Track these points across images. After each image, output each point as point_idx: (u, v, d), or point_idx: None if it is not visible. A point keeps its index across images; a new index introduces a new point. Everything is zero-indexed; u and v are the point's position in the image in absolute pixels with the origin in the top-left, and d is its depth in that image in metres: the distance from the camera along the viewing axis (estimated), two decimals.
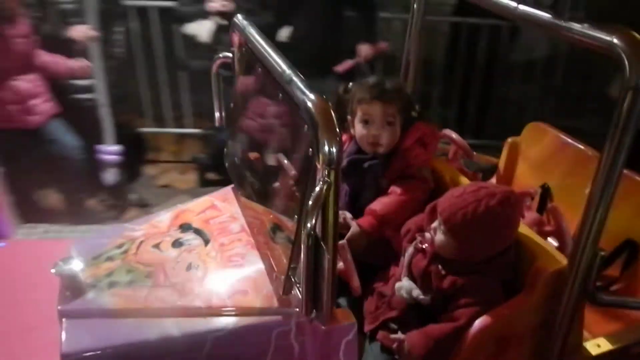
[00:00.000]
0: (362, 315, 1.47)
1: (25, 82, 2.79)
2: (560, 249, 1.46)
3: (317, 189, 1.00)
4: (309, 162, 1.06)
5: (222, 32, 2.83)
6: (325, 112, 1.01)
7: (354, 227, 1.55)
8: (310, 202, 0.99)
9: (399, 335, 1.35)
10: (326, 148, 0.98)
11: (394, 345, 1.36)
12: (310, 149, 1.04)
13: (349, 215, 1.54)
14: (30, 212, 2.93)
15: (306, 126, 1.05)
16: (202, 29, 2.92)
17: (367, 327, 1.44)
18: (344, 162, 1.61)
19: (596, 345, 1.44)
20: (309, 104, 1.02)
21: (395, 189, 1.58)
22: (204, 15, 2.90)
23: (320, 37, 2.95)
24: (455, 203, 1.32)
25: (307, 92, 1.04)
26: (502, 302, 1.32)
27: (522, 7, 1.30)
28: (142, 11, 3.44)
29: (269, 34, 2.74)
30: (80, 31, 2.88)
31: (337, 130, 1.00)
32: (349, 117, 1.62)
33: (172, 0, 3.25)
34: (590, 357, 1.41)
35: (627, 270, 1.69)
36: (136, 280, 1.33)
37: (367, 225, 1.53)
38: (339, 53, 3.06)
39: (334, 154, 0.99)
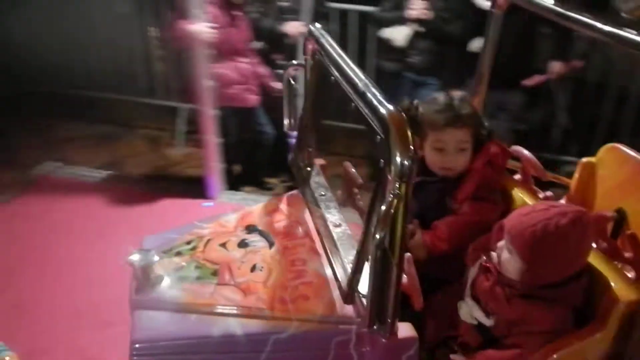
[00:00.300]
0: (422, 329, 1.45)
1: (247, 65, 3.15)
2: (638, 279, 1.39)
3: (388, 201, 1.00)
4: (381, 174, 1.07)
5: (417, 38, 3.12)
6: (399, 124, 1.01)
7: (417, 237, 1.53)
8: (380, 214, 0.99)
9: (459, 357, 1.32)
10: (398, 160, 0.98)
11: None
12: (382, 160, 1.04)
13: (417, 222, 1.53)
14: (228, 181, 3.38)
15: (378, 137, 1.05)
16: (398, 34, 3.15)
17: (427, 343, 1.42)
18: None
19: None
20: (384, 114, 1.02)
21: (464, 211, 1.56)
22: (402, 21, 3.14)
23: (510, 50, 2.88)
24: (523, 221, 1.28)
25: (383, 102, 1.04)
26: (570, 332, 1.26)
27: None
28: (344, 14, 3.78)
29: (460, 43, 2.76)
30: (294, 27, 3.17)
31: (411, 143, 1.00)
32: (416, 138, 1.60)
33: (371, 6, 3.51)
34: None
35: None
36: (203, 276, 1.38)
37: (429, 240, 1.52)
38: (528, 67, 3.11)
39: (407, 166, 0.98)
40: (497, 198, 1.59)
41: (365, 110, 1.10)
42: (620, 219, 1.77)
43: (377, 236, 0.98)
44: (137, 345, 1.22)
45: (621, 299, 1.22)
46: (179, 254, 1.47)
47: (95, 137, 4.19)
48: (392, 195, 1.00)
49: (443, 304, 1.44)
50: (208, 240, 1.52)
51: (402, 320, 1.21)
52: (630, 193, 1.81)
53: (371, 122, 1.07)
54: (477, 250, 1.43)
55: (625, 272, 1.36)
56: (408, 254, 1.22)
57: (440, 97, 1.61)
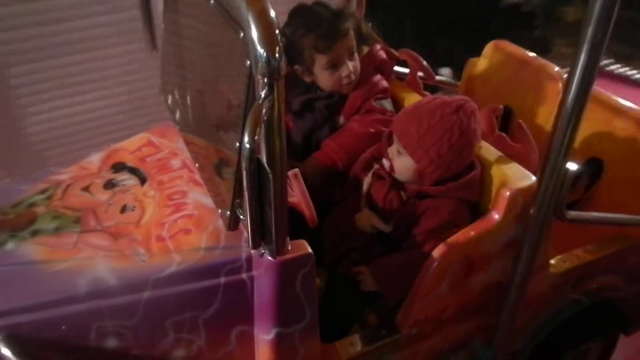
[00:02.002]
0: (320, 249, 1.37)
1: None
2: (527, 167, 1.39)
3: (257, 103, 0.85)
4: (248, 76, 0.91)
5: None
6: (261, 12, 0.85)
7: (309, 160, 1.43)
8: (249, 119, 0.85)
9: (361, 267, 1.26)
10: (264, 54, 0.83)
11: (357, 277, 1.27)
12: (247, 60, 0.89)
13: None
14: None
15: (241, 33, 0.89)
16: None
17: (328, 260, 1.35)
18: (297, 104, 1.47)
19: (562, 261, 1.41)
20: (241, 3, 0.85)
21: (351, 125, 1.46)
22: None
23: None
24: (408, 118, 1.23)
25: None
26: (468, 224, 1.24)
27: None
28: None
29: None
30: None
31: (277, 33, 0.85)
32: (297, 68, 1.46)
33: None
34: (557, 274, 1.38)
35: (589, 189, 1.66)
36: (63, 226, 1.17)
37: (321, 158, 1.42)
38: None
39: (276, 62, 0.83)
40: (387, 107, 1.50)
41: (221, 2, 0.93)
42: (507, 115, 1.78)
43: (248, 146, 0.83)
44: None
45: (515, 187, 1.20)
46: (32, 205, 1.24)
47: None
48: (262, 96, 0.86)
49: (339, 219, 1.36)
50: (67, 186, 1.30)
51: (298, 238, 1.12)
52: (516, 89, 1.82)
53: (230, 17, 0.90)
54: (367, 159, 1.36)
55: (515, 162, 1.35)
56: (294, 170, 1.11)
57: (304, 12, 1.42)
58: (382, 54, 1.56)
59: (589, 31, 0.98)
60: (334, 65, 1.41)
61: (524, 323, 1.38)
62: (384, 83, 1.52)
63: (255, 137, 0.84)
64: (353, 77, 1.44)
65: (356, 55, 1.44)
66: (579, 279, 1.42)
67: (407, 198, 1.26)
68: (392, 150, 1.28)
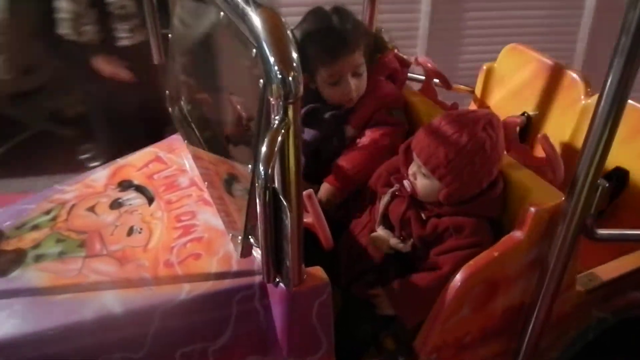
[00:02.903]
0: (335, 268, 1.31)
1: None
2: (552, 181, 1.32)
3: (272, 129, 0.80)
4: (262, 98, 0.86)
5: None
6: (276, 29, 0.79)
7: (323, 187, 1.36)
8: (264, 147, 0.79)
9: (377, 290, 1.20)
10: (280, 75, 0.77)
11: (372, 300, 1.21)
12: (261, 80, 0.83)
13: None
14: None
15: (254, 50, 0.83)
16: None
17: (343, 282, 1.29)
18: (301, 112, 1.40)
19: (588, 278, 1.34)
20: (254, 18, 0.79)
21: (364, 141, 1.38)
22: None
23: None
24: (434, 141, 1.15)
25: (251, 3, 0.81)
26: (491, 244, 1.18)
27: None
28: None
29: None
30: None
31: (294, 52, 0.79)
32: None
33: None
34: (583, 293, 1.31)
35: (613, 201, 1.59)
36: (67, 251, 1.13)
37: (336, 183, 1.35)
38: None
39: (292, 83, 0.77)
40: (399, 118, 1.43)
41: (232, 17, 0.87)
42: (526, 123, 1.72)
43: (263, 175, 0.78)
44: None
45: (541, 204, 1.13)
46: (35, 227, 1.20)
47: None
48: (277, 121, 0.80)
49: (354, 238, 1.30)
50: (72, 206, 1.25)
51: (313, 261, 1.06)
52: (533, 94, 1.76)
53: (242, 31, 0.84)
54: (382, 176, 1.29)
55: (539, 177, 1.29)
56: (308, 190, 1.05)
57: (318, 18, 1.35)
58: (395, 62, 1.50)
59: (624, 41, 0.91)
60: (336, 82, 1.35)
61: (548, 345, 1.32)
62: (396, 93, 1.46)
63: (270, 165, 0.79)
64: (354, 95, 1.36)
65: (363, 73, 1.36)
66: (605, 296, 1.36)
67: (428, 217, 1.20)
68: (415, 171, 1.20)
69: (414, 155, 1.19)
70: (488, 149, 1.13)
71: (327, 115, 1.39)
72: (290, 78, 0.77)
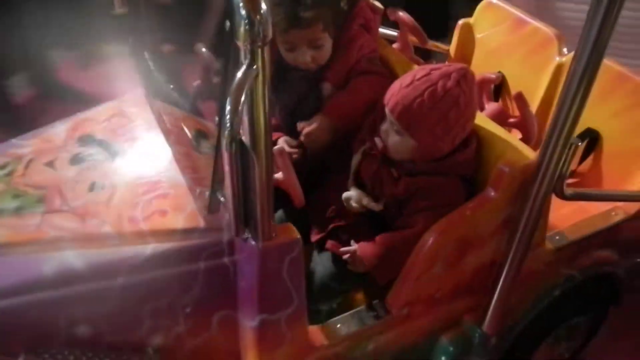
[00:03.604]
0: (307, 225, 1.29)
1: None
2: (525, 140, 1.32)
3: (239, 76, 0.75)
4: (228, 42, 0.81)
5: None
6: None
7: (320, 119, 1.26)
8: (230, 95, 0.75)
9: (351, 246, 1.19)
10: (247, 16, 0.72)
11: (346, 257, 1.20)
12: (227, 23, 0.78)
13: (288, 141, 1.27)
14: None
15: None
16: None
17: (314, 237, 1.28)
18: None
19: (556, 237, 1.36)
20: None
21: (358, 85, 1.29)
22: None
23: None
24: (407, 94, 1.11)
25: None
26: (462, 202, 1.17)
27: None
28: None
29: None
30: None
31: None
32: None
33: None
34: (552, 251, 1.33)
35: (583, 161, 1.60)
36: (25, 206, 1.07)
37: (335, 114, 1.26)
38: None
39: (260, 25, 0.73)
40: (382, 68, 1.35)
41: None
42: (500, 80, 1.70)
43: (229, 124, 0.74)
44: None
45: (514, 163, 1.12)
46: None
47: None
48: (244, 66, 0.75)
49: (327, 196, 1.28)
50: (30, 161, 1.19)
51: (287, 218, 1.04)
52: (509, 52, 1.73)
53: None
54: (363, 137, 1.26)
55: (514, 136, 1.28)
56: (279, 146, 1.02)
57: None
58: (367, 10, 1.40)
59: None
60: (290, 49, 1.26)
61: (516, 301, 1.34)
62: (373, 42, 1.39)
63: (237, 114, 0.75)
64: (312, 65, 1.28)
65: (323, 45, 1.26)
66: (573, 255, 1.38)
67: (399, 176, 1.18)
68: (387, 128, 1.17)
69: (387, 111, 1.15)
70: (462, 104, 1.11)
71: (297, 75, 1.30)
72: (258, 19, 0.72)
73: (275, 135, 1.29)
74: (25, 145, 1.23)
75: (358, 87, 1.29)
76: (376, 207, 1.20)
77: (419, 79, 1.12)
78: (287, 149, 1.23)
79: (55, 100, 2.62)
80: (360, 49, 1.33)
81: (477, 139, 1.20)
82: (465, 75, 1.12)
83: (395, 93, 1.14)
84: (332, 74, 1.32)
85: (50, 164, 1.17)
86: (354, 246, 1.20)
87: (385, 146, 1.17)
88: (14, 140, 1.27)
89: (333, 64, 1.31)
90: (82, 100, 1.75)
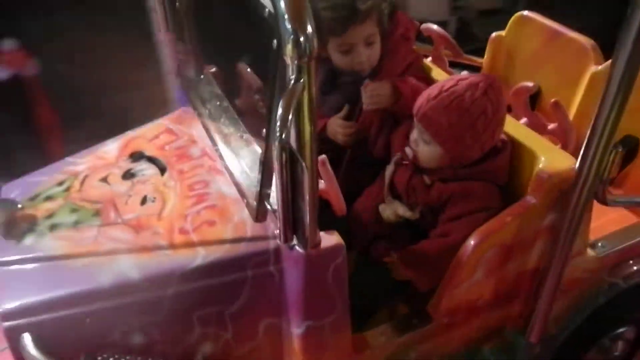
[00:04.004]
0: (349, 235, 1.33)
1: None
2: (563, 148, 1.32)
3: (288, 89, 0.79)
4: (276, 59, 0.85)
5: None
6: None
7: (383, 82, 1.30)
8: (280, 108, 0.79)
9: (392, 256, 1.21)
10: (294, 35, 0.76)
11: (389, 266, 1.22)
12: (275, 40, 0.82)
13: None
14: None
15: (267, 10, 0.83)
16: None
17: (358, 247, 1.31)
18: (320, 78, 1.37)
19: (600, 244, 1.35)
20: None
21: (407, 80, 1.31)
22: None
23: None
24: (435, 105, 1.14)
25: None
26: (500, 209, 1.18)
27: None
28: None
29: None
30: None
31: (308, 10, 0.78)
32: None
33: None
34: (595, 258, 1.32)
35: (623, 169, 1.59)
36: (82, 219, 1.14)
37: (399, 84, 1.28)
38: None
39: (306, 42, 0.77)
40: (426, 75, 1.39)
41: None
42: (535, 93, 1.71)
43: (279, 135, 0.78)
44: (7, 323, 0.97)
45: (554, 169, 1.13)
46: (49, 198, 1.20)
47: None
48: (292, 81, 0.80)
49: (366, 205, 1.31)
50: (85, 177, 1.26)
51: (327, 228, 1.07)
52: (543, 63, 1.74)
53: None
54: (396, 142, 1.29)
55: (552, 143, 1.29)
56: (322, 156, 1.05)
57: None
58: (407, 19, 1.45)
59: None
60: (346, 51, 1.31)
61: (559, 309, 1.33)
62: (416, 51, 1.43)
63: (287, 125, 0.79)
64: (366, 65, 1.33)
65: (376, 42, 1.32)
66: (616, 262, 1.37)
67: (431, 183, 1.20)
68: (416, 138, 1.20)
69: (415, 121, 1.18)
70: (489, 113, 1.13)
71: (348, 79, 1.36)
72: (304, 37, 0.76)
73: (323, 120, 1.36)
74: (80, 162, 1.31)
75: (411, 82, 1.32)
76: (412, 216, 1.22)
77: (446, 90, 1.15)
78: (339, 129, 1.32)
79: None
80: (405, 57, 1.38)
81: (510, 146, 1.21)
82: (492, 85, 1.14)
83: (424, 104, 1.17)
84: (379, 80, 1.35)
85: (104, 180, 1.24)
86: (394, 257, 1.22)
87: (415, 155, 1.20)
88: (69, 159, 1.34)
89: (380, 72, 1.36)
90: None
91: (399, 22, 1.38)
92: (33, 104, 2.45)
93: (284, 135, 0.78)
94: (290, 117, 0.80)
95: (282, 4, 0.77)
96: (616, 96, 1.00)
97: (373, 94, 1.28)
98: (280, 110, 0.79)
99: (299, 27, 0.77)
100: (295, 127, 0.84)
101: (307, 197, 0.84)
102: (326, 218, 1.32)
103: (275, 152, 0.80)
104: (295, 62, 0.79)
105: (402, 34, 1.38)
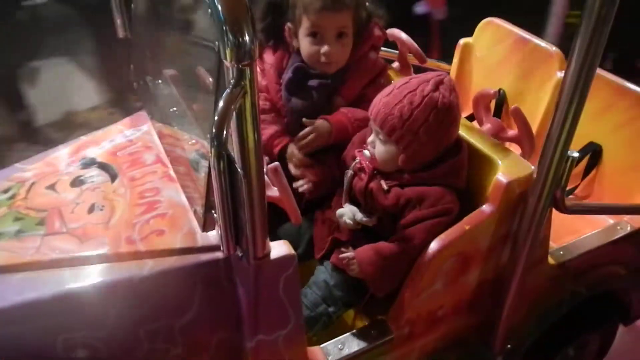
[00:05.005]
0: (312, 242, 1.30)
1: None
2: (523, 155, 1.31)
3: (227, 93, 0.76)
4: (218, 62, 0.82)
5: None
6: None
7: (319, 122, 1.31)
8: (217, 112, 0.76)
9: (349, 252, 1.18)
10: (233, 36, 0.73)
11: (344, 262, 1.19)
12: (216, 42, 0.79)
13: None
14: None
15: (210, 10, 0.80)
16: None
17: (318, 255, 1.28)
18: (287, 75, 1.34)
19: (560, 252, 1.34)
20: None
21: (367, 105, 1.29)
22: None
23: None
24: (387, 102, 1.14)
25: None
26: (456, 213, 1.16)
27: None
28: None
29: None
30: None
31: (249, 12, 0.75)
32: (289, 26, 1.34)
33: None
34: (555, 266, 1.31)
35: (586, 176, 1.59)
36: (25, 229, 1.08)
37: (336, 123, 1.30)
38: None
39: (246, 44, 0.74)
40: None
41: None
42: (501, 98, 1.70)
43: (216, 138, 0.74)
44: None
45: (512, 177, 1.12)
46: None
47: None
48: (231, 85, 0.77)
49: (329, 214, 1.28)
50: (32, 184, 1.20)
51: (290, 237, 1.04)
52: (509, 71, 1.74)
53: None
54: (353, 147, 1.27)
55: (512, 150, 1.27)
56: (274, 163, 1.02)
57: None
58: (378, 31, 1.44)
59: (594, 4, 0.90)
60: (315, 36, 1.28)
61: (522, 318, 1.31)
62: (383, 63, 1.42)
63: (224, 131, 0.76)
64: (332, 60, 1.30)
65: (346, 39, 1.29)
66: (578, 270, 1.36)
67: (389, 188, 1.18)
68: (372, 139, 1.19)
69: (371, 121, 1.17)
70: (441, 107, 1.12)
71: (314, 83, 1.33)
72: (244, 38, 0.74)
73: (284, 140, 1.34)
74: (29, 169, 1.26)
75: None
76: (369, 222, 1.19)
77: (398, 87, 1.16)
78: (296, 154, 1.30)
79: None
80: (373, 67, 1.37)
81: (466, 148, 1.20)
82: (442, 80, 1.14)
83: (377, 102, 1.17)
84: (346, 89, 1.36)
85: (51, 187, 1.19)
86: (351, 253, 1.19)
87: (373, 158, 1.18)
88: (17, 165, 1.29)
89: (348, 79, 1.35)
90: None
91: (371, 33, 1.37)
92: None
93: (221, 142, 0.75)
94: (227, 121, 0.76)
95: (219, 7, 0.74)
96: (570, 102, 0.99)
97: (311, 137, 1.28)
98: (217, 115, 0.76)
99: (237, 29, 0.74)
100: (237, 134, 0.81)
101: (247, 206, 0.80)
102: (287, 226, 1.30)
103: (212, 160, 0.77)
104: (235, 65, 0.76)
105: (372, 45, 1.37)
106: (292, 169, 1.32)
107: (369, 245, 1.18)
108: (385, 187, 1.17)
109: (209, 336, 1.06)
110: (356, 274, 1.18)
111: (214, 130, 0.75)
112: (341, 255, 1.19)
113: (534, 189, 1.10)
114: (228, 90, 0.76)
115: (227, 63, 0.77)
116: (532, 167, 1.12)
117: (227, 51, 0.75)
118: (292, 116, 1.37)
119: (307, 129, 1.31)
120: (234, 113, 0.79)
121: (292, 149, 1.33)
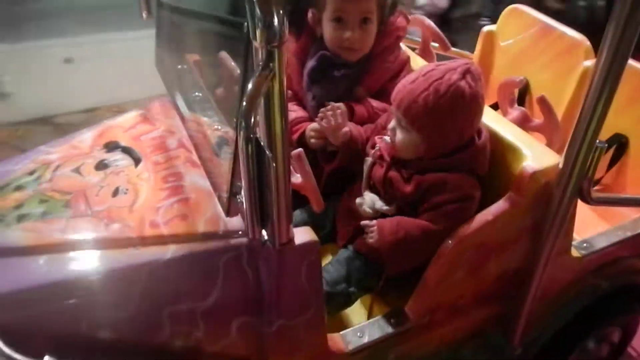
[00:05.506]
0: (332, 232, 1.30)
1: None
2: (549, 144, 1.29)
3: (255, 75, 0.76)
4: (247, 44, 0.82)
5: None
6: None
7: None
8: (246, 95, 0.75)
9: (371, 222, 1.16)
10: (263, 17, 0.73)
11: (365, 229, 1.18)
12: (245, 24, 0.79)
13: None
14: None
15: None
16: None
17: (341, 242, 1.28)
18: (312, 63, 1.34)
19: (583, 244, 1.32)
20: None
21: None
22: None
23: None
24: (412, 90, 1.12)
25: None
26: (478, 199, 1.15)
27: None
28: None
29: None
30: None
31: None
32: (313, 11, 1.33)
33: None
34: (579, 259, 1.29)
35: (612, 167, 1.56)
36: (51, 211, 1.10)
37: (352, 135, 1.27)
38: None
39: (276, 25, 0.73)
40: None
41: None
42: (524, 87, 1.68)
43: (244, 121, 0.74)
44: None
45: (538, 167, 1.10)
46: (19, 188, 1.16)
47: None
48: (260, 67, 0.76)
49: (350, 201, 1.27)
50: (57, 167, 1.22)
51: (313, 224, 1.04)
52: (533, 59, 1.71)
53: None
54: (374, 142, 1.26)
55: (535, 139, 1.25)
56: (298, 149, 1.02)
57: None
58: (403, 22, 1.43)
59: None
60: (339, 21, 1.27)
61: (542, 310, 1.30)
62: (407, 56, 1.41)
63: (253, 114, 0.75)
64: (356, 46, 1.30)
65: (370, 25, 1.29)
66: (600, 263, 1.34)
67: (409, 175, 1.17)
68: (394, 125, 1.17)
69: (393, 107, 1.16)
70: (467, 97, 1.10)
71: (338, 73, 1.33)
72: (274, 19, 0.73)
73: (304, 126, 1.33)
74: (54, 152, 1.27)
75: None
76: (389, 210, 1.19)
77: (424, 75, 1.13)
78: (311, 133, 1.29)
79: None
80: (396, 60, 1.36)
81: (488, 135, 1.18)
82: (469, 69, 1.12)
83: (402, 89, 1.15)
84: (369, 80, 1.35)
85: (76, 170, 1.20)
86: (373, 222, 1.17)
87: (393, 145, 1.17)
88: (42, 147, 1.30)
89: (371, 70, 1.34)
90: None
91: (395, 23, 1.36)
92: None
93: (248, 125, 0.75)
94: (256, 104, 0.76)
95: None
96: (601, 93, 0.97)
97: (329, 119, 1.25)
98: (246, 97, 0.75)
99: (267, 11, 0.74)
100: (265, 117, 0.81)
101: (274, 191, 0.80)
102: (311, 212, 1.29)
103: (240, 144, 0.76)
104: (265, 47, 0.76)
105: (397, 36, 1.35)
106: (313, 141, 1.30)
107: (393, 218, 1.17)
108: (405, 175, 1.16)
109: (230, 320, 1.07)
110: (374, 242, 1.16)
111: (242, 114, 0.74)
112: (362, 222, 1.18)
113: (559, 180, 1.08)
114: (257, 72, 0.76)
115: (256, 44, 0.76)
116: (559, 157, 1.11)
117: (258, 32, 0.74)
118: (312, 104, 1.36)
119: (333, 105, 1.27)
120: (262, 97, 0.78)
121: (313, 124, 1.32)
